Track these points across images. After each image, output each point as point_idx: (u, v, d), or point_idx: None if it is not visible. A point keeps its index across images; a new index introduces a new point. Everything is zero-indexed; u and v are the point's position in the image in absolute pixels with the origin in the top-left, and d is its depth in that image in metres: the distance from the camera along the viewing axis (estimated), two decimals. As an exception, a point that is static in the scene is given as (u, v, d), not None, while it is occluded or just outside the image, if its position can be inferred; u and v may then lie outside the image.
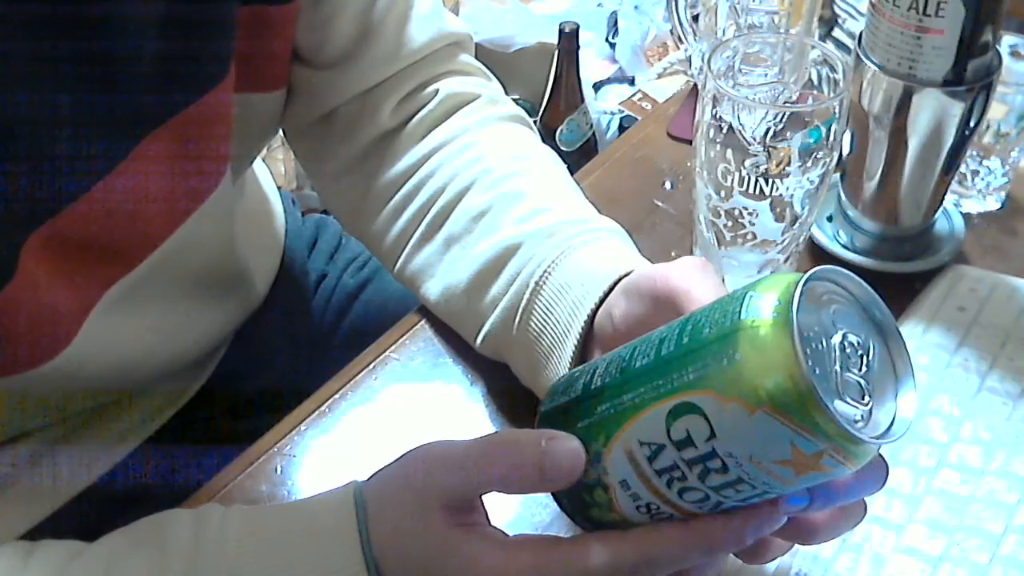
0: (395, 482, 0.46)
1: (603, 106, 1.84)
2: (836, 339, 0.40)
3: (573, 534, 0.46)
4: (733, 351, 0.39)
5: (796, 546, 0.54)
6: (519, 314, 0.60)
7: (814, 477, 0.40)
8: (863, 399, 0.40)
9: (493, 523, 0.47)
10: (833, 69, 0.60)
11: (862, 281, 0.41)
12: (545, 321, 0.58)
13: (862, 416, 0.40)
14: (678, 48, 1.79)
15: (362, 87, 0.68)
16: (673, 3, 0.82)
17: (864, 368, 0.41)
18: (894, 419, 0.41)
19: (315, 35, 0.66)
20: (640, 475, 0.42)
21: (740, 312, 0.39)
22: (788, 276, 0.40)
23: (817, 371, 0.38)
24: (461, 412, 0.65)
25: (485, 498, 0.46)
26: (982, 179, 0.77)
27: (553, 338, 0.58)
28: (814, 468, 0.39)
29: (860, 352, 0.41)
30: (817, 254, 0.73)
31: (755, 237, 0.63)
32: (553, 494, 0.47)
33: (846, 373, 0.40)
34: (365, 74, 0.68)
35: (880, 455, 0.46)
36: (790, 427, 0.38)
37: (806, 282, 0.39)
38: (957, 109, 0.64)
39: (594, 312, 0.56)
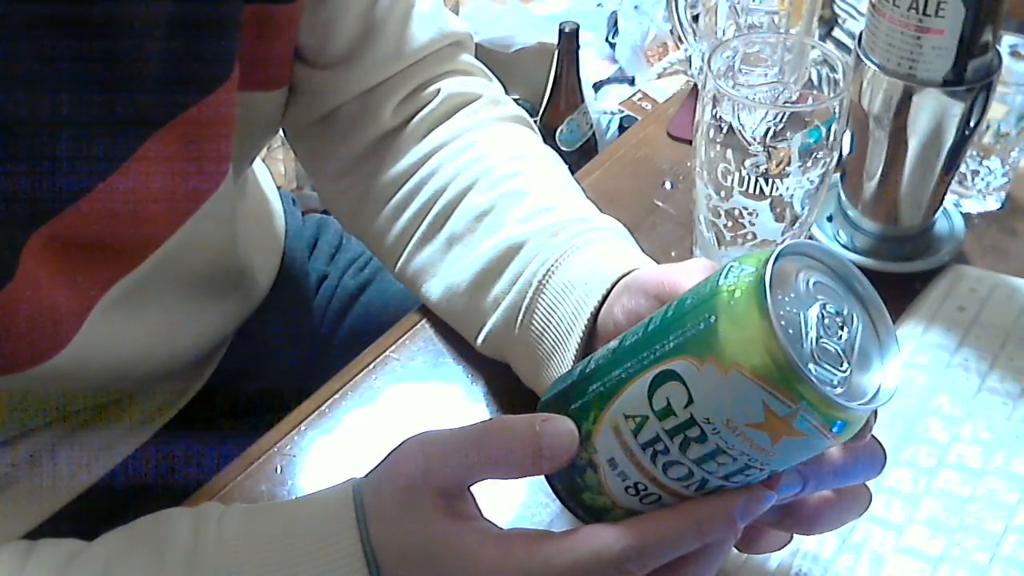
0: (391, 475, 0.46)
1: (603, 106, 1.84)
2: (814, 309, 0.41)
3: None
4: (708, 315, 0.40)
5: (797, 545, 0.54)
6: (521, 313, 0.60)
7: (794, 446, 0.40)
8: (840, 366, 0.41)
9: (493, 523, 0.47)
10: (833, 69, 0.60)
11: (842, 256, 0.43)
12: (548, 320, 0.58)
13: (839, 382, 0.40)
14: (678, 48, 1.79)
15: (363, 87, 0.68)
16: (673, 3, 0.82)
17: (843, 337, 0.41)
18: (879, 388, 0.42)
19: (317, 35, 0.66)
20: (626, 451, 0.43)
21: (718, 280, 0.41)
22: (770, 250, 0.41)
23: (790, 332, 0.39)
24: (461, 412, 0.65)
25: (484, 498, 0.47)
26: (982, 179, 0.77)
27: (556, 337, 0.58)
28: (789, 433, 0.39)
29: (840, 322, 0.42)
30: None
31: (755, 237, 0.63)
32: (548, 479, 0.47)
33: (823, 340, 0.41)
34: (367, 74, 0.68)
35: (878, 442, 0.46)
36: (760, 384, 0.39)
37: (785, 250, 0.40)
38: (957, 109, 0.64)
39: (597, 311, 0.56)
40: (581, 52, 1.75)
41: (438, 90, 0.69)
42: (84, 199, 0.54)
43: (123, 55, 0.53)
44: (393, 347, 0.69)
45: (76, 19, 0.50)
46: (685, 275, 0.51)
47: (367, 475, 0.47)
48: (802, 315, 0.40)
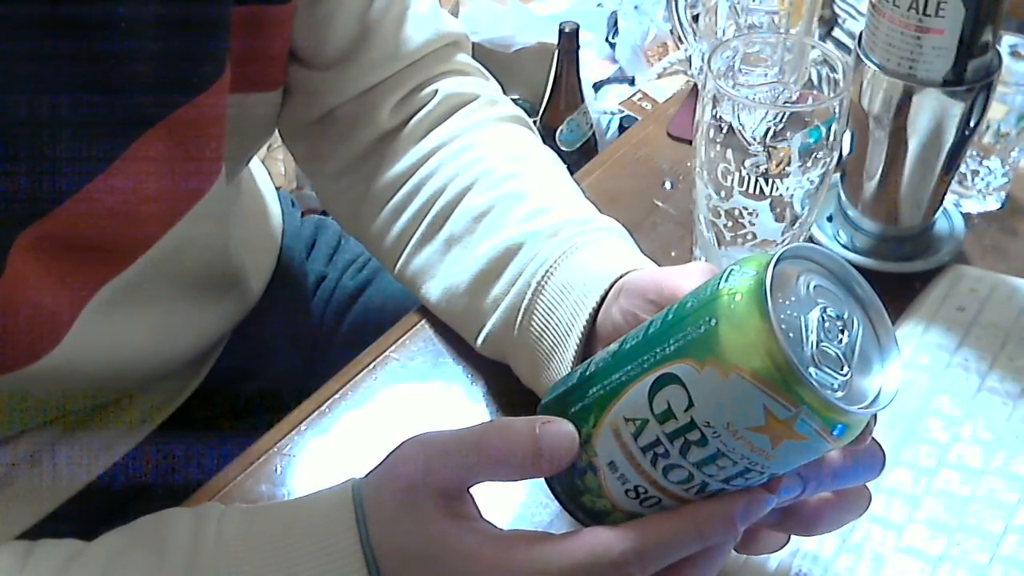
0: (391, 476, 0.46)
1: (603, 106, 1.84)
2: (815, 312, 0.41)
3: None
4: (709, 318, 0.40)
5: (797, 546, 0.54)
6: (520, 314, 0.60)
7: (794, 449, 0.40)
8: (841, 369, 0.41)
9: (493, 523, 0.47)
10: (833, 69, 0.60)
11: (842, 259, 0.43)
12: (547, 321, 0.58)
13: (840, 385, 0.40)
14: (678, 48, 1.79)
15: (360, 87, 0.68)
16: (673, 3, 0.82)
17: (844, 341, 0.41)
18: (879, 392, 0.42)
19: (313, 36, 0.66)
20: (626, 454, 0.43)
21: (719, 283, 0.41)
22: (771, 253, 0.40)
23: (791, 336, 0.39)
24: (461, 412, 0.65)
25: (484, 498, 0.47)
26: (982, 179, 0.77)
27: (555, 338, 0.58)
28: (790, 436, 0.39)
29: (840, 326, 0.42)
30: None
31: (755, 237, 0.63)
32: (548, 482, 0.47)
33: (824, 344, 0.41)
34: (363, 74, 0.68)
35: (878, 443, 0.46)
36: (761, 388, 0.39)
37: (785, 253, 0.40)
38: (957, 109, 0.64)
39: (596, 311, 0.56)
40: (581, 52, 1.75)
41: (435, 91, 0.69)
42: (72, 199, 0.54)
43: (112, 55, 0.53)
44: (393, 347, 0.69)
45: (64, 20, 0.50)
46: (682, 278, 0.51)
47: (367, 475, 0.47)
48: (803, 319, 0.40)
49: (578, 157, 1.72)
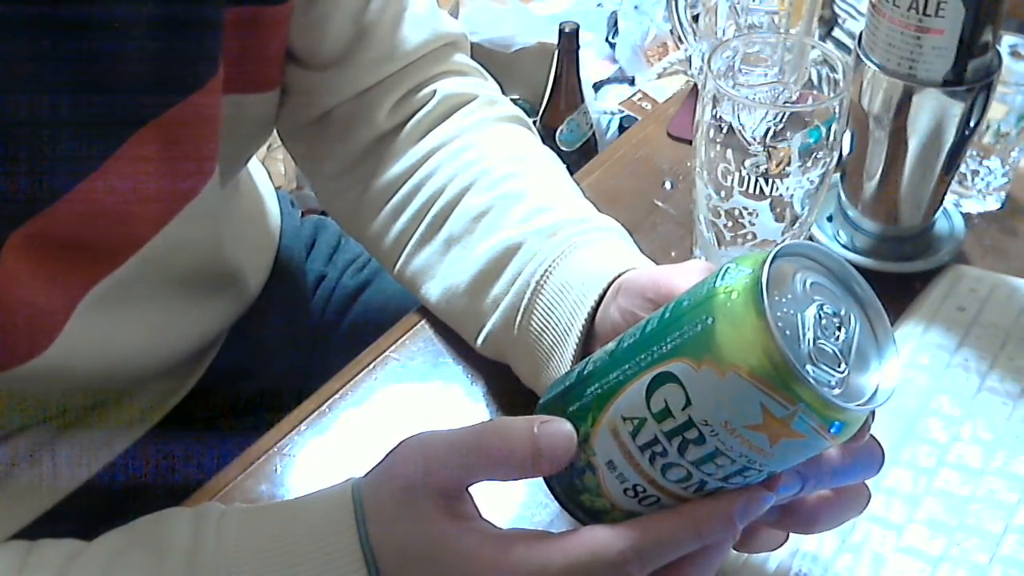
0: (390, 476, 0.46)
1: (603, 106, 1.84)
2: (811, 310, 0.41)
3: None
4: (706, 316, 0.40)
5: (797, 545, 0.54)
6: (520, 314, 0.60)
7: (792, 447, 0.40)
8: (838, 366, 0.41)
9: (492, 523, 0.47)
10: (833, 69, 0.60)
11: (839, 256, 0.43)
12: (546, 321, 0.58)
13: (837, 383, 0.40)
14: (678, 48, 1.79)
15: (358, 88, 0.68)
16: (673, 3, 0.82)
17: (841, 338, 0.41)
18: (877, 389, 0.42)
19: (310, 36, 0.66)
20: (624, 453, 0.43)
21: (715, 282, 0.41)
22: (767, 251, 0.40)
23: (787, 333, 0.39)
24: (461, 412, 0.65)
25: (484, 498, 0.47)
26: (982, 179, 0.77)
27: (554, 338, 0.58)
28: (788, 434, 0.39)
29: (837, 323, 0.42)
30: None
31: (755, 237, 0.63)
32: (547, 482, 0.47)
33: (821, 341, 0.41)
34: (361, 75, 0.68)
35: (876, 441, 0.46)
36: (757, 386, 0.39)
37: (782, 251, 0.40)
38: (957, 109, 0.64)
39: (594, 310, 0.56)
40: (581, 52, 1.75)
41: (434, 91, 0.69)
42: (64, 199, 0.54)
43: (103, 55, 0.53)
44: (393, 347, 0.69)
45: (64, 20, 0.50)
46: (680, 276, 0.51)
47: (366, 475, 0.47)
48: (799, 316, 0.40)
49: (578, 157, 1.72)
